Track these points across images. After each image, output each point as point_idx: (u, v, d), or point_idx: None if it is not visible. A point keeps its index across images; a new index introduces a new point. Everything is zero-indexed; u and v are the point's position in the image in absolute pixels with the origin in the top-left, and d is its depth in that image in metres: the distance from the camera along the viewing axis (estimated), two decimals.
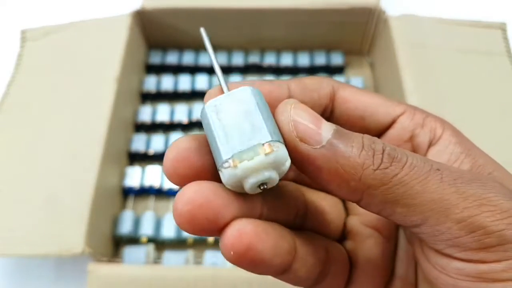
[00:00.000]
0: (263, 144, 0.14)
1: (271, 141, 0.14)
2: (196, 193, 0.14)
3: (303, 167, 0.15)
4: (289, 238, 0.16)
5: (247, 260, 0.14)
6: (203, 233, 0.14)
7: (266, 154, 0.14)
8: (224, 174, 0.14)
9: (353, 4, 0.50)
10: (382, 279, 0.19)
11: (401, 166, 0.14)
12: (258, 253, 0.14)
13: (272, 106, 0.16)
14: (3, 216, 0.37)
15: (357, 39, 0.55)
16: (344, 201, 0.21)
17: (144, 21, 0.52)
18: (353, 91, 0.18)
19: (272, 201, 0.16)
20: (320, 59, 0.54)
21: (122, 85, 0.46)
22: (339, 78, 0.52)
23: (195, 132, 0.50)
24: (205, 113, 0.15)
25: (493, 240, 0.13)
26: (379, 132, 0.19)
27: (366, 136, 0.15)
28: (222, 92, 0.16)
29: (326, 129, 0.15)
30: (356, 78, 0.53)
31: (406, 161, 0.14)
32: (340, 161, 0.14)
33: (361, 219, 0.20)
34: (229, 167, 0.14)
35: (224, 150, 0.14)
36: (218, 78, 0.16)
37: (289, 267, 0.15)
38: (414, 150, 0.18)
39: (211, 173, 0.15)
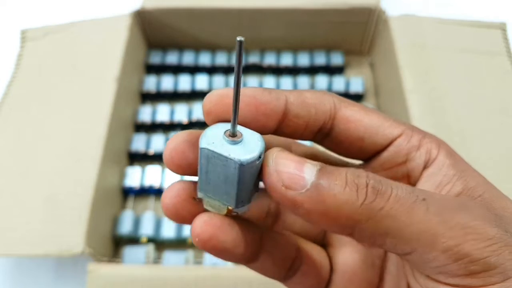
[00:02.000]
0: (227, 207, 0.17)
1: (234, 208, 0.17)
2: (181, 189, 0.17)
3: (294, 212, 0.16)
4: (255, 233, 0.18)
5: (210, 247, 0.17)
6: (185, 221, 0.18)
7: (225, 213, 0.17)
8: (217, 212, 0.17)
9: (353, 4, 0.50)
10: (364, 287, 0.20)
11: (386, 198, 0.15)
12: (220, 242, 0.17)
13: (267, 117, 0.17)
14: (3, 216, 0.37)
15: (357, 39, 0.55)
16: None
17: (144, 21, 0.52)
18: (355, 110, 0.18)
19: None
20: (320, 59, 0.54)
21: (122, 85, 0.46)
22: (339, 78, 0.52)
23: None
24: (201, 150, 0.16)
25: (478, 268, 0.14)
26: (376, 153, 0.19)
27: (350, 170, 0.15)
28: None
29: (309, 172, 0.15)
30: (356, 78, 0.53)
31: (390, 193, 0.15)
32: (326, 201, 0.15)
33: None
34: (200, 202, 0.17)
35: (202, 187, 0.17)
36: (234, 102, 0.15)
37: (256, 258, 0.18)
38: (409, 173, 0.18)
39: None
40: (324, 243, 0.21)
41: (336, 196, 0.15)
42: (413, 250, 0.14)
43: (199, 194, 0.17)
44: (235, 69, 0.16)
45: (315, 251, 0.20)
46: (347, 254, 0.20)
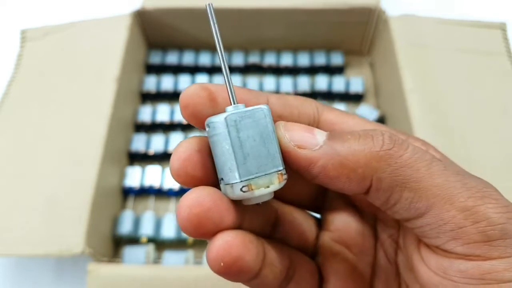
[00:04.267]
0: (277, 173, 0.15)
1: (282, 170, 0.15)
2: (204, 197, 0.15)
3: (308, 173, 0.15)
4: (262, 246, 0.16)
5: (235, 270, 0.15)
6: (204, 236, 0.15)
7: (279, 183, 0.15)
8: (236, 193, 0.15)
9: (353, 4, 0.50)
10: None
11: (405, 148, 0.14)
12: (245, 262, 0.15)
13: None
14: (3, 216, 0.37)
15: (357, 39, 0.55)
16: (316, 218, 0.21)
17: (144, 21, 0.52)
18: (338, 114, 0.18)
19: (250, 208, 0.16)
20: (320, 59, 0.54)
21: (122, 85, 0.46)
22: (339, 78, 0.52)
23: (196, 132, 0.50)
24: (225, 125, 0.15)
25: (496, 233, 0.13)
26: None
27: (361, 130, 0.15)
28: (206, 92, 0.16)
29: (320, 133, 0.15)
30: (356, 78, 0.53)
31: (408, 145, 0.15)
32: (342, 153, 0.15)
33: (331, 235, 0.20)
34: (247, 191, 0.15)
35: (242, 170, 0.15)
36: (225, 77, 0.16)
37: (260, 273, 0.16)
38: None
39: (213, 176, 0.16)
40: (314, 254, 0.20)
41: (351, 147, 0.15)
42: (430, 208, 0.14)
43: (244, 178, 0.15)
44: (214, 35, 0.16)
45: (303, 259, 0.19)
46: (337, 263, 0.19)
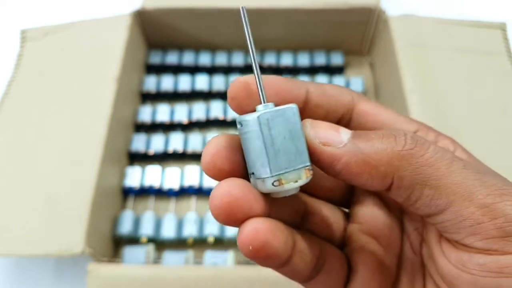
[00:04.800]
0: (305, 168, 0.16)
1: (309, 165, 0.16)
2: (234, 187, 0.16)
3: (332, 169, 0.16)
4: (291, 234, 0.17)
5: (263, 255, 0.16)
6: (235, 224, 0.16)
7: (307, 177, 0.16)
8: (267, 187, 0.16)
9: (353, 4, 0.50)
10: (382, 286, 0.19)
11: (426, 148, 0.15)
12: (273, 248, 0.16)
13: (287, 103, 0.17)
14: (3, 216, 0.38)
15: (357, 39, 0.55)
16: (344, 211, 0.22)
17: (144, 21, 0.52)
18: (373, 105, 0.19)
19: (278, 200, 0.17)
20: (320, 59, 0.54)
21: (122, 85, 0.46)
22: (339, 78, 0.52)
23: (196, 133, 0.50)
24: (258, 123, 0.16)
25: None
26: None
27: (384, 129, 0.16)
28: (247, 91, 0.17)
29: (345, 132, 0.16)
30: (356, 78, 0.53)
31: (429, 145, 0.15)
32: (365, 151, 0.15)
33: (359, 227, 0.20)
34: (278, 185, 0.16)
35: (273, 165, 0.16)
36: (257, 78, 0.17)
37: (290, 260, 0.17)
38: None
39: (242, 170, 0.17)
40: (342, 246, 0.21)
41: (374, 145, 0.15)
42: (449, 205, 0.15)
43: (275, 173, 0.16)
44: (247, 39, 0.17)
45: (332, 249, 0.20)
46: (365, 255, 0.20)
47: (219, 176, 0.17)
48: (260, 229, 0.16)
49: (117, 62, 0.46)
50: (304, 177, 0.16)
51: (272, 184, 0.16)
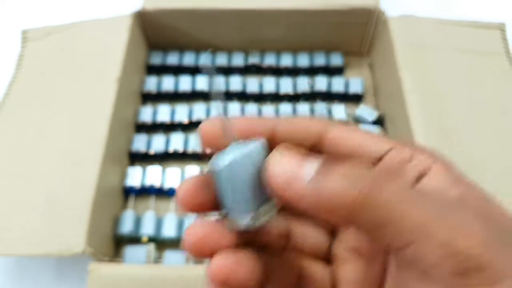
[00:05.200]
0: (271, 204, 0.17)
1: (273, 201, 0.17)
2: (202, 227, 0.18)
3: (298, 208, 0.16)
4: (260, 261, 0.18)
5: (231, 285, 0.17)
6: (207, 258, 0.18)
7: (272, 215, 0.18)
8: (244, 224, 0.17)
9: (352, 5, 0.50)
10: None
11: (383, 189, 0.15)
12: (239, 278, 0.17)
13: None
14: (3, 216, 0.38)
15: (356, 40, 0.55)
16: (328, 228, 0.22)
17: (145, 22, 0.52)
18: (346, 130, 0.19)
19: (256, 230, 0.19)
20: (320, 60, 0.54)
21: (123, 85, 0.46)
22: (338, 79, 0.53)
23: (195, 133, 0.50)
24: (221, 170, 0.16)
25: (472, 265, 0.14)
26: None
27: (353, 162, 0.16)
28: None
29: (310, 165, 0.16)
30: (355, 78, 0.53)
31: (388, 184, 0.15)
32: (325, 194, 0.15)
33: (344, 244, 0.20)
34: (253, 222, 0.17)
35: (245, 205, 0.17)
36: (224, 119, 0.18)
37: (264, 286, 0.18)
38: None
39: (212, 205, 0.18)
40: (329, 259, 0.21)
41: (335, 186, 0.15)
42: (411, 243, 0.15)
43: (245, 220, 0.17)
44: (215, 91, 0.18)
45: (319, 269, 0.20)
46: (349, 271, 0.20)
47: (192, 209, 0.18)
48: (223, 263, 0.17)
49: (118, 62, 0.46)
50: (276, 208, 0.17)
51: (248, 222, 0.17)
